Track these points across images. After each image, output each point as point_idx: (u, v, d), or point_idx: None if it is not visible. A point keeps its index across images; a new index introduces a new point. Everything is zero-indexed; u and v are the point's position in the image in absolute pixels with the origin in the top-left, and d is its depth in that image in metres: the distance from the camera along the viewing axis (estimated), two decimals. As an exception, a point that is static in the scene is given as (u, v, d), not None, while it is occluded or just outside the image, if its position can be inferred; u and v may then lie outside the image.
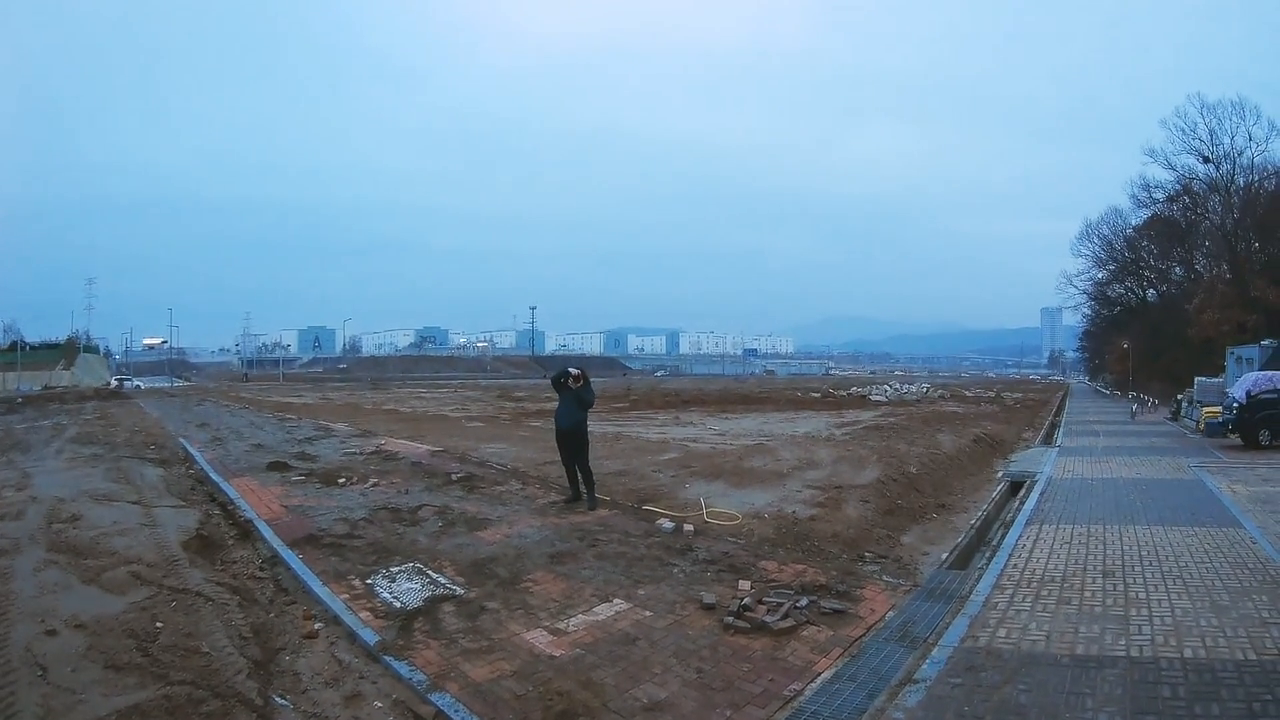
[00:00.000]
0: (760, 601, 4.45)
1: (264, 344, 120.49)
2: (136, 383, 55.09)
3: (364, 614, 4.29)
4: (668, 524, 6.38)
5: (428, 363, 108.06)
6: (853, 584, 4.97)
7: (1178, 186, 39.45)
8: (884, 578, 5.26)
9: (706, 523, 6.55)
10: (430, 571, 5.06)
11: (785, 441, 12.98)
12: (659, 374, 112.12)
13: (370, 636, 3.96)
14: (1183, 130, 37.02)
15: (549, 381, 8.18)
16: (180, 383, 64.06)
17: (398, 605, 4.42)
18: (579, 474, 7.36)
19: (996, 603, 4.57)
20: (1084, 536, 6.36)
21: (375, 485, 8.27)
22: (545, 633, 4.04)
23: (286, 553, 5.48)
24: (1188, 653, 3.70)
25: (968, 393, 38.83)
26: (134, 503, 7.01)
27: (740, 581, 4.87)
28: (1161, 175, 39.82)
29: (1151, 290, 48.50)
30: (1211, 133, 36.36)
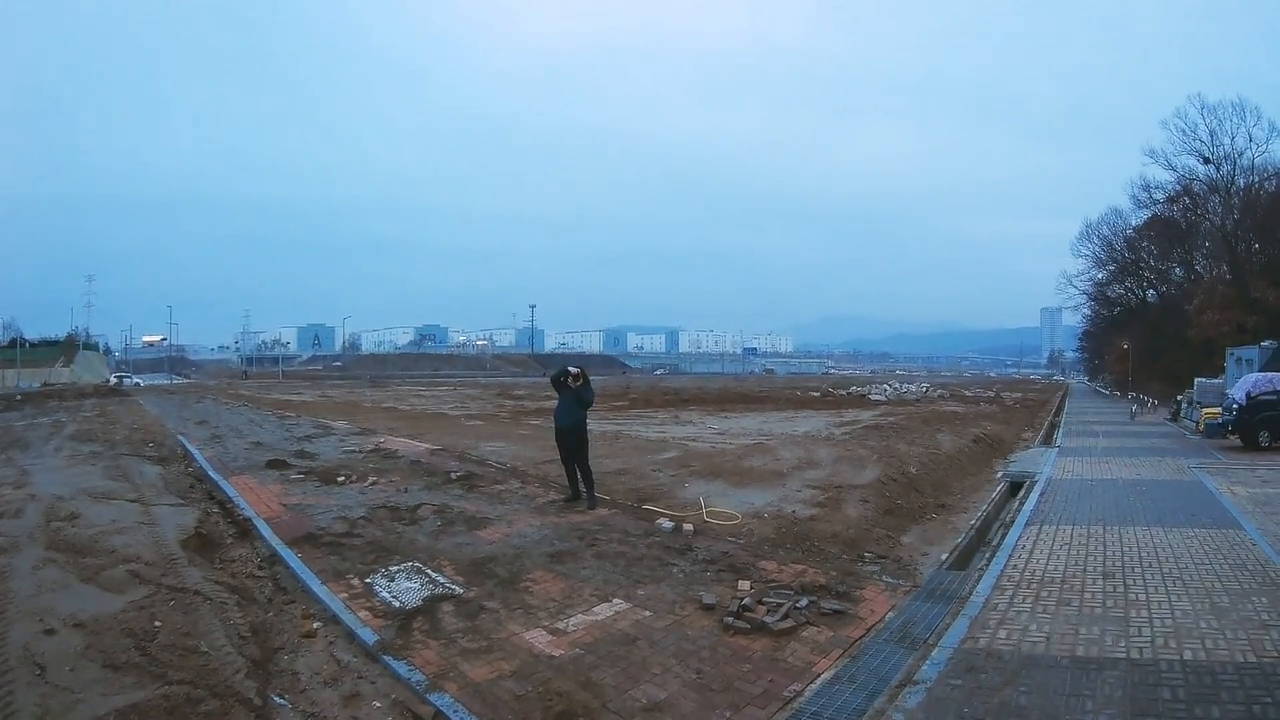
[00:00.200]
0: (760, 602, 4.44)
1: (263, 341, 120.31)
2: (136, 380, 55.02)
3: (363, 613, 4.28)
4: (667, 523, 6.37)
5: (427, 361, 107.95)
6: (853, 584, 4.96)
7: (1178, 187, 39.50)
8: (884, 578, 5.26)
9: (706, 522, 6.54)
10: (429, 571, 5.06)
11: (785, 441, 12.97)
12: (658, 372, 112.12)
13: (369, 636, 3.96)
14: (1183, 131, 37.07)
15: (548, 380, 8.16)
16: (180, 380, 64.05)
17: (397, 604, 4.42)
18: (578, 473, 7.36)
19: (996, 604, 4.57)
20: (1084, 537, 6.35)
21: (374, 484, 8.26)
22: (545, 632, 4.03)
23: (285, 551, 5.47)
24: (1188, 655, 3.69)
25: (967, 392, 38.83)
26: (133, 501, 7.00)
27: (740, 581, 4.87)
28: (1162, 176, 39.90)
29: (1151, 291, 48.53)
30: (1212, 133, 36.41)
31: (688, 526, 6.30)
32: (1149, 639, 3.93)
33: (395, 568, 5.12)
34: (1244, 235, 36.51)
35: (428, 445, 11.83)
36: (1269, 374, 15.45)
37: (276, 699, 3.31)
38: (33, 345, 51.10)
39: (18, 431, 14.85)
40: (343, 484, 8.26)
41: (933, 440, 13.37)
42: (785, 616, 4.22)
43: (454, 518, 6.58)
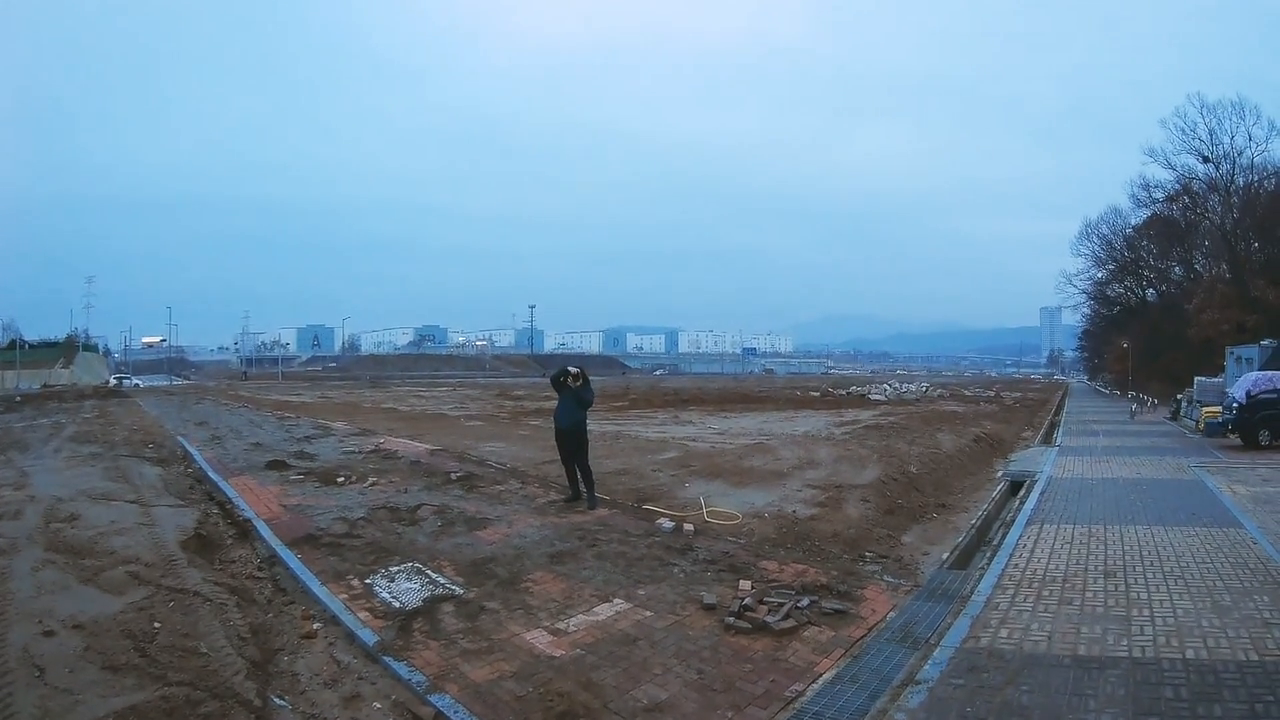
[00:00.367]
0: (761, 601, 4.43)
1: (263, 342, 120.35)
2: (135, 381, 55.01)
3: (363, 614, 4.27)
4: (667, 523, 6.36)
5: (427, 361, 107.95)
6: (854, 584, 4.95)
7: (1177, 186, 39.48)
8: (885, 578, 5.25)
9: (706, 522, 6.53)
10: (429, 571, 5.05)
11: (785, 441, 12.96)
12: (658, 373, 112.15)
13: (369, 637, 3.95)
14: (1182, 130, 37.06)
15: (548, 380, 8.15)
16: (179, 381, 64.03)
17: (397, 605, 4.40)
18: (578, 473, 7.35)
19: (998, 603, 4.56)
20: (1085, 536, 6.35)
21: (374, 484, 8.25)
22: (545, 633, 4.02)
23: (285, 552, 5.46)
24: (1190, 653, 3.68)
25: (967, 392, 38.84)
26: (132, 502, 6.98)
27: (741, 581, 4.86)
28: (1161, 175, 39.88)
29: (1151, 290, 48.53)
30: (1211, 132, 36.40)
31: (688, 526, 6.29)
32: (1151, 638, 3.92)
33: (395, 568, 5.11)
34: (1243, 234, 36.52)
35: (427, 446, 11.82)
36: (1269, 373, 15.43)
37: (276, 700, 3.30)
38: (32, 346, 51.08)
39: (17, 433, 14.83)
40: (342, 485, 8.25)
41: (933, 440, 13.37)
42: (786, 616, 4.21)
43: (454, 518, 6.57)
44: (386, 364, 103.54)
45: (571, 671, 3.55)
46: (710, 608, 4.38)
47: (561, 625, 4.13)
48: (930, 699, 3.27)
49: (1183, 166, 38.21)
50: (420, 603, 4.44)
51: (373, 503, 7.21)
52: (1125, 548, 5.92)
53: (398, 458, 10.39)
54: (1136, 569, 5.28)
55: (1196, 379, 22.95)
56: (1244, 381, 15.13)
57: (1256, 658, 3.61)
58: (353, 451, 11.22)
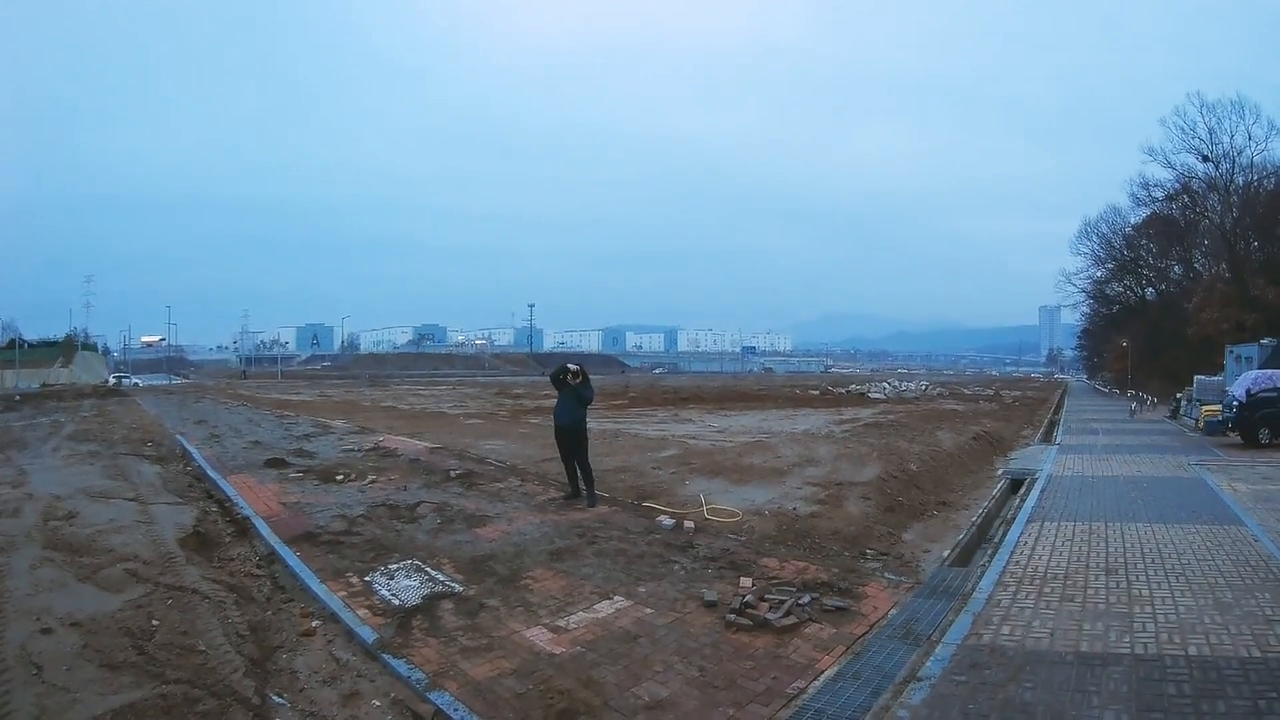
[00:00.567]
0: (762, 599, 4.41)
1: (262, 341, 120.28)
2: (135, 380, 54.97)
3: (362, 611, 4.25)
4: (668, 521, 6.34)
5: (426, 360, 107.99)
6: (855, 581, 4.94)
7: (1177, 185, 39.50)
8: (886, 575, 5.24)
9: (707, 520, 6.52)
10: (429, 569, 5.03)
11: (785, 439, 12.95)
12: (657, 371, 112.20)
13: (368, 634, 3.93)
14: (1182, 129, 37.08)
15: (548, 378, 8.14)
16: (178, 380, 63.97)
17: (396, 603, 4.39)
18: (578, 471, 7.33)
19: (1000, 600, 4.55)
20: (1086, 534, 6.33)
21: (373, 482, 8.23)
22: (545, 630, 4.01)
23: (284, 550, 5.44)
24: (1192, 650, 3.67)
25: (966, 390, 38.88)
26: (131, 500, 6.96)
27: (741, 579, 4.84)
28: (1161, 174, 39.91)
29: (1150, 289, 48.54)
30: (1211, 131, 36.41)
31: (688, 524, 6.27)
32: (1153, 634, 3.90)
33: (394, 566, 5.09)
34: (1243, 233, 36.53)
35: (427, 444, 11.80)
36: (1269, 371, 15.43)
37: (275, 698, 3.28)
38: (31, 346, 51.05)
39: (16, 432, 14.81)
40: (341, 482, 8.23)
41: (933, 438, 13.36)
42: (788, 613, 4.19)
43: (453, 515, 6.55)
44: (386, 363, 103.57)
45: (572, 669, 3.53)
46: (711, 605, 4.37)
47: (562, 622, 4.12)
48: (933, 695, 3.25)
49: (1182, 165, 38.28)
50: (420, 600, 4.42)
51: (372, 500, 7.19)
52: (1126, 545, 5.91)
53: (397, 455, 10.37)
54: (1138, 566, 5.27)
55: (1196, 377, 22.95)
56: (1244, 380, 15.13)
57: (1259, 654, 3.60)
58: (352, 449, 11.20)
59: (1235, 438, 14.40)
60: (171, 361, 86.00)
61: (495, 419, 18.69)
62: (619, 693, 3.32)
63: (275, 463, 9.59)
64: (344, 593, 4.57)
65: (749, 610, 4.23)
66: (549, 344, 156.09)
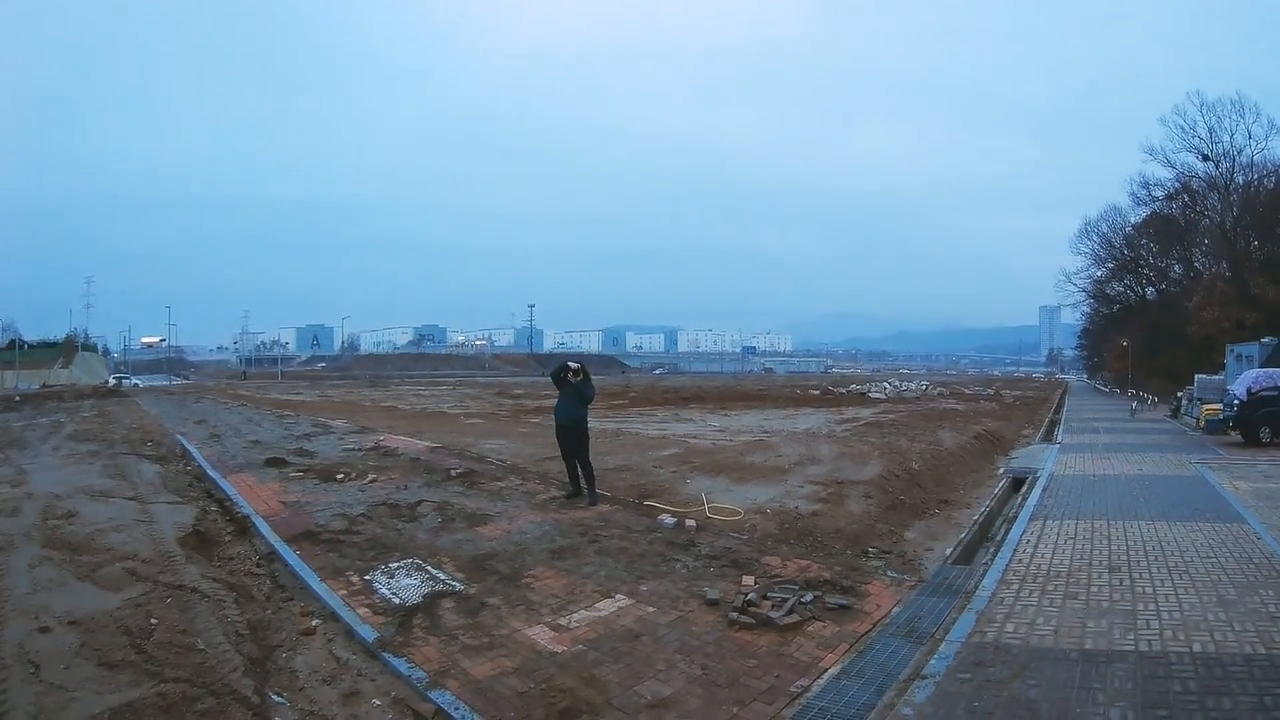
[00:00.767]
0: (764, 597, 4.39)
1: (262, 342, 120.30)
2: (135, 381, 54.92)
3: (362, 610, 4.23)
4: (669, 519, 6.32)
5: (426, 360, 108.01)
6: (857, 579, 4.92)
7: (1177, 184, 39.48)
8: (888, 573, 5.22)
9: (708, 518, 6.50)
10: (430, 567, 5.01)
11: (786, 438, 12.93)
12: (657, 372, 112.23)
13: (369, 633, 3.91)
14: (1182, 128, 37.04)
15: (548, 377, 8.11)
16: (179, 381, 63.95)
17: (397, 601, 4.37)
18: (579, 469, 7.31)
19: (1003, 598, 4.53)
20: (1088, 532, 6.32)
21: (374, 481, 8.21)
22: (547, 629, 3.99)
23: (284, 549, 5.42)
24: (1196, 647, 3.66)
25: (967, 390, 38.86)
26: (130, 499, 6.94)
27: (744, 577, 4.82)
28: (1161, 173, 39.88)
29: (1151, 288, 48.51)
30: (1211, 130, 36.37)
31: (690, 522, 6.25)
32: (1157, 631, 3.89)
33: (395, 564, 5.07)
34: (1243, 232, 36.51)
35: (427, 443, 11.77)
36: (1270, 370, 15.41)
37: (274, 697, 3.26)
38: (31, 347, 51.05)
39: (16, 432, 14.78)
40: (342, 481, 8.21)
41: (934, 437, 13.34)
42: (790, 611, 4.17)
43: (454, 514, 6.53)
44: (386, 363, 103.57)
45: (574, 667, 3.51)
46: (713, 603, 4.35)
47: (563, 621, 4.10)
48: (937, 693, 3.23)
49: (1182, 164, 38.25)
50: (420, 599, 4.40)
51: (372, 499, 7.17)
52: (1129, 543, 5.89)
53: (397, 455, 10.35)
54: (1141, 564, 5.25)
55: (1197, 376, 22.92)
56: (1245, 378, 15.11)
57: (1264, 651, 3.58)
58: (352, 449, 11.18)
59: (1236, 436, 14.38)
60: (171, 362, 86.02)
61: (496, 418, 18.67)
62: (621, 691, 3.29)
63: (275, 462, 9.57)
64: (344, 591, 4.55)
65: (752, 608, 4.21)
66: (549, 344, 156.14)
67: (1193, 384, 22.45)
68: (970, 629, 4.00)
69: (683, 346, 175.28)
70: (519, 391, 35.74)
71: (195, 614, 3.91)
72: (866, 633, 4.03)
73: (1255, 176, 36.23)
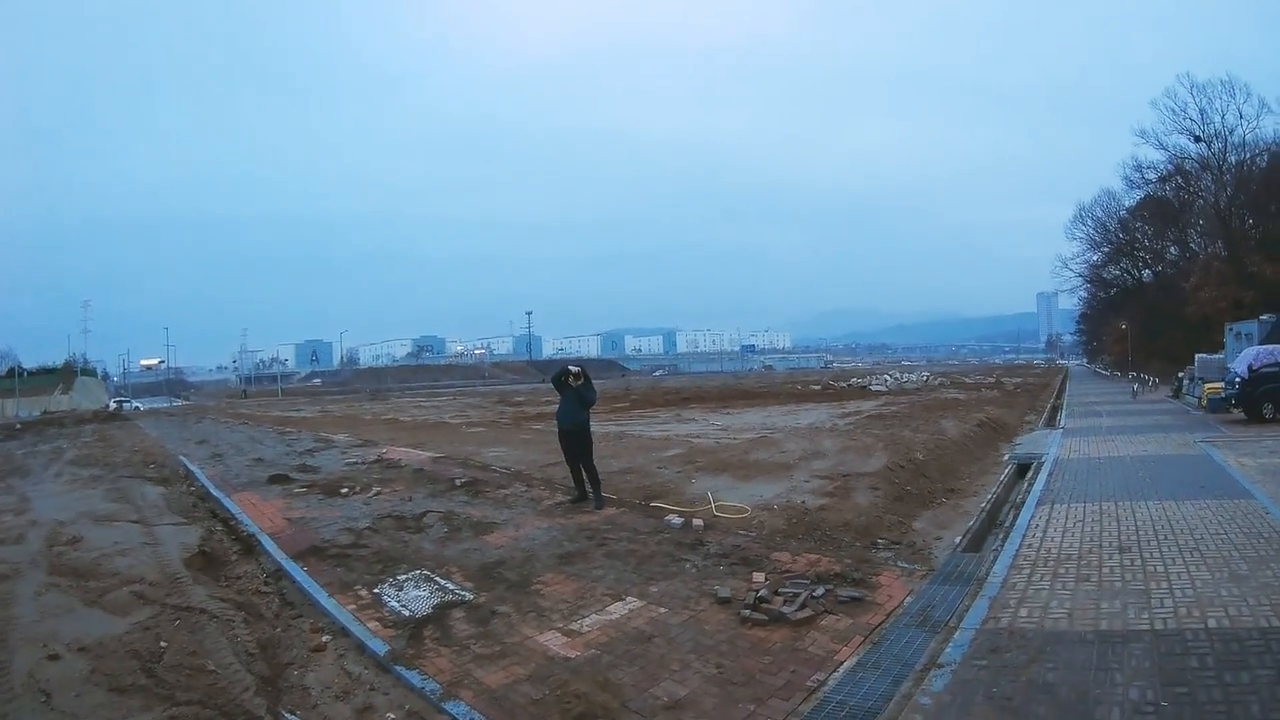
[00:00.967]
0: (776, 593, 4.38)
1: (261, 360, 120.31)
2: (135, 404, 54.80)
3: (372, 624, 4.21)
4: (676, 520, 6.30)
5: (426, 372, 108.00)
6: (868, 571, 4.90)
7: (1170, 166, 39.57)
8: (899, 564, 5.20)
9: (715, 517, 6.48)
10: (438, 578, 4.98)
11: (789, 434, 12.92)
12: (657, 373, 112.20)
13: (380, 646, 3.89)
14: (1173, 110, 37.14)
15: (549, 383, 8.09)
16: (179, 402, 63.82)
17: (406, 613, 4.34)
18: (584, 473, 7.29)
19: (1015, 583, 4.51)
20: (1096, 514, 6.30)
21: (378, 494, 8.19)
22: (559, 634, 3.96)
23: (291, 565, 5.40)
24: (1212, 623, 3.64)
25: (968, 379, 38.88)
26: (135, 522, 6.91)
27: (754, 574, 4.80)
28: (1153, 156, 39.96)
29: (1147, 271, 48.57)
30: (1202, 112, 36.46)
31: (697, 522, 6.23)
32: (1171, 609, 3.87)
33: (403, 576, 5.05)
34: (1238, 211, 36.58)
35: (430, 453, 11.75)
36: (1270, 346, 15.44)
37: (288, 715, 3.24)
38: (31, 374, 50.90)
39: (18, 459, 14.73)
40: (346, 495, 8.18)
41: (937, 427, 13.33)
42: (803, 606, 4.15)
43: (460, 524, 6.51)
44: (385, 376, 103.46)
45: (587, 672, 3.49)
46: (725, 601, 4.33)
47: (575, 626, 4.07)
48: (954, 681, 3.21)
49: (1175, 146, 38.34)
50: (430, 610, 4.38)
51: (377, 512, 7.14)
52: (1138, 523, 5.88)
53: (401, 466, 10.32)
54: (1151, 543, 5.23)
55: (1197, 356, 22.95)
56: (1246, 356, 15.13)
57: (1279, 623, 3.56)
58: (355, 462, 11.15)
59: (1239, 414, 14.38)
60: (171, 384, 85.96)
61: (497, 426, 18.63)
62: (637, 694, 3.27)
63: (279, 479, 9.54)
64: (353, 606, 4.52)
65: (763, 605, 4.19)
66: (548, 350, 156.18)
67: (1193, 364, 22.48)
68: (984, 615, 3.98)
69: (682, 347, 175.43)
70: (520, 399, 35.69)
71: (204, 635, 3.88)
72: (880, 624, 4.01)
73: (1248, 156, 36.31)
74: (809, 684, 3.33)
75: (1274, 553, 4.80)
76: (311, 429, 19.93)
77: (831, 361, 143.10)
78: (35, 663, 3.50)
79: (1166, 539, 5.33)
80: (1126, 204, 45.47)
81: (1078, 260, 50.89)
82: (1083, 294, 57.81)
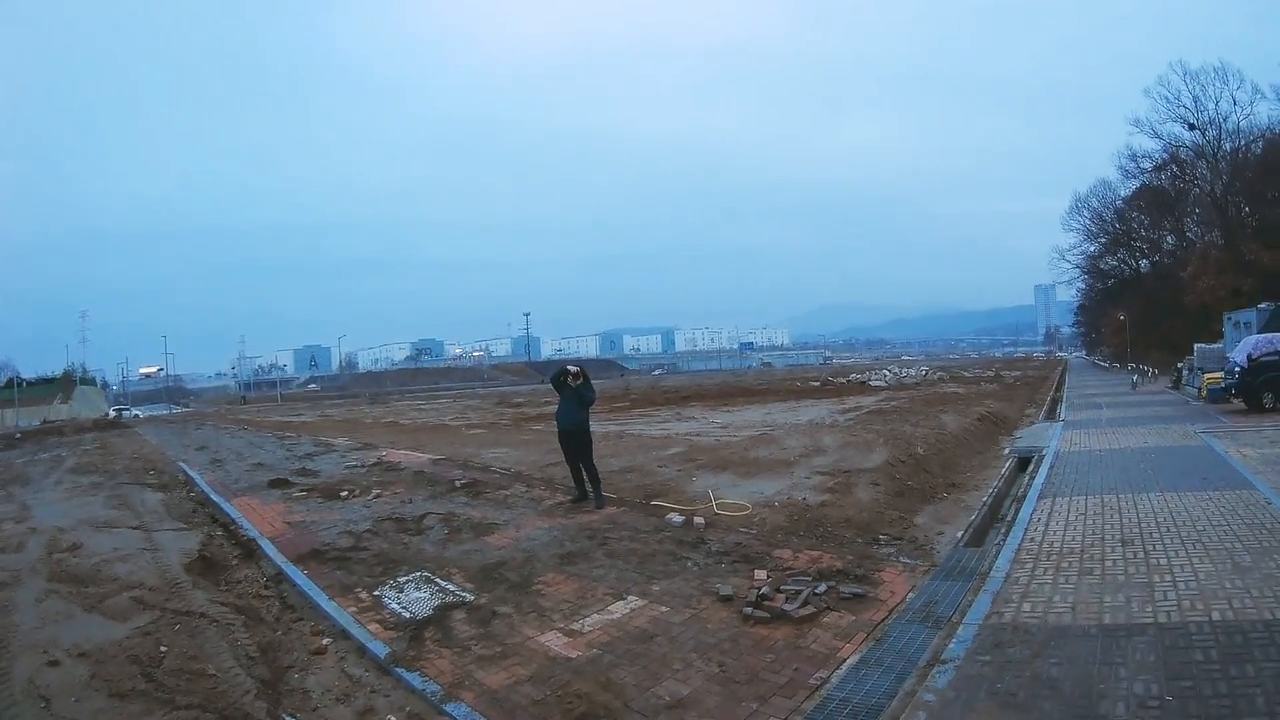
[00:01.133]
0: (778, 590, 4.36)
1: (260, 366, 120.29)
2: (135, 412, 54.74)
3: (373, 626, 4.20)
4: (677, 518, 6.29)
5: (425, 375, 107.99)
6: (870, 567, 4.89)
7: (1165, 155, 39.58)
8: (901, 559, 5.18)
9: (717, 515, 6.46)
10: (438, 579, 4.97)
11: (789, 430, 12.90)
12: (656, 372, 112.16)
13: (380, 649, 3.87)
14: (1167, 98, 37.14)
15: (549, 383, 8.07)
16: (178, 409, 63.75)
17: (407, 615, 4.33)
18: (584, 473, 7.27)
19: (1018, 577, 4.49)
20: (1098, 507, 6.29)
21: (378, 496, 8.17)
22: (560, 635, 3.95)
23: (291, 569, 5.38)
24: (1215, 615, 3.63)
25: (967, 373, 38.86)
26: (135, 528, 6.90)
27: (756, 571, 4.79)
28: (1148, 145, 39.97)
29: (1144, 260, 48.56)
30: (1196, 99, 36.46)
31: (698, 520, 6.21)
32: (1175, 602, 3.86)
33: (404, 578, 5.03)
34: (1234, 199, 36.57)
35: (430, 456, 11.72)
36: (1269, 335, 15.40)
37: (288, 718, 3.22)
38: (30, 384, 50.80)
39: (18, 468, 14.70)
40: (346, 499, 8.16)
41: (937, 421, 13.31)
42: (805, 603, 4.13)
43: (460, 525, 6.49)
44: (385, 380, 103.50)
45: (589, 672, 3.47)
46: (727, 599, 4.32)
47: (576, 626, 4.06)
48: (958, 677, 3.20)
49: (1169, 135, 38.34)
50: (431, 611, 4.36)
51: (378, 514, 7.12)
52: (1140, 515, 5.86)
53: (400, 469, 10.30)
54: (1153, 536, 5.22)
55: (1196, 346, 22.92)
56: (1245, 345, 15.10)
57: (1283, 615, 3.55)
58: (355, 466, 11.13)
59: (1239, 404, 14.36)
60: (170, 391, 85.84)
61: (497, 428, 18.60)
62: (639, 693, 3.26)
63: (279, 483, 9.52)
64: (354, 608, 4.51)
65: (766, 602, 4.17)
66: (546, 351, 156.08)
67: (1192, 354, 22.47)
68: (987, 611, 3.96)
69: (680, 346, 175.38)
70: (519, 400, 35.66)
71: (205, 639, 3.87)
72: (883, 620, 4.00)
73: (1243, 143, 36.31)
74: (812, 681, 3.31)
75: (1277, 544, 4.78)
76: (311, 433, 19.90)
77: (830, 357, 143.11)
78: (35, 668, 3.49)
79: (1169, 531, 5.31)
80: (1122, 194, 45.54)
81: (1075, 251, 50.96)
82: (1080, 285, 57.87)
